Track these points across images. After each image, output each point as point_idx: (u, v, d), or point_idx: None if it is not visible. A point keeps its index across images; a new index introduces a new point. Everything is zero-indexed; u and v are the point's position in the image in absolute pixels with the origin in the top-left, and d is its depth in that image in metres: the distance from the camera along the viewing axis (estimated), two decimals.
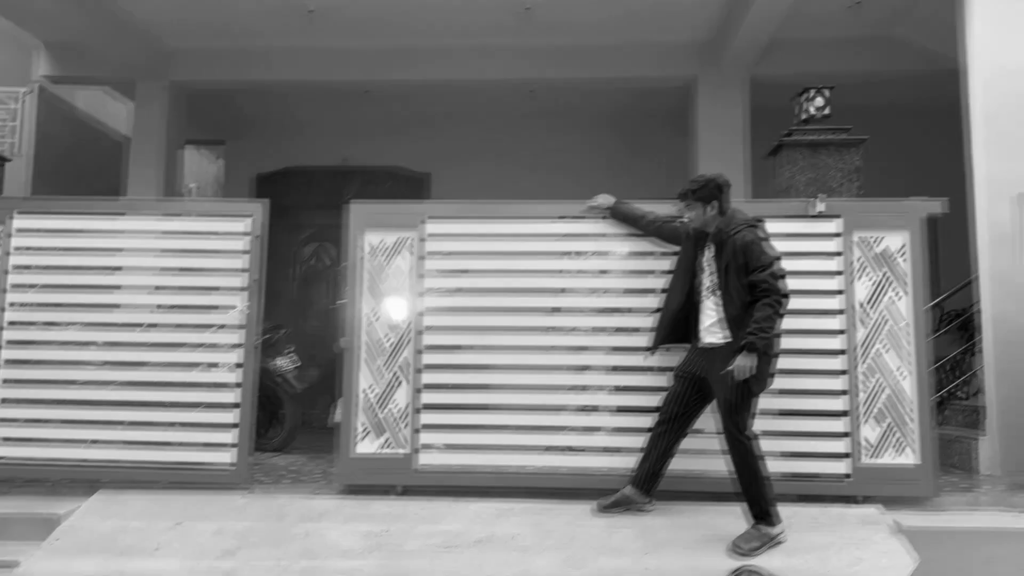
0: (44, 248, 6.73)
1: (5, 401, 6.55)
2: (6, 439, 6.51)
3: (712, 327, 5.53)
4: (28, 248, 6.72)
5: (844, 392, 6.15)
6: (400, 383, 6.40)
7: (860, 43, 10.41)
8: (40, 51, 11.36)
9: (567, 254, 6.46)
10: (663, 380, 6.03)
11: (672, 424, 5.72)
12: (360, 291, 6.51)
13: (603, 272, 6.43)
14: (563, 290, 6.46)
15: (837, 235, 6.26)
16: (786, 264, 5.80)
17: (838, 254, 6.25)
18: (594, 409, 6.37)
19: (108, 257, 6.74)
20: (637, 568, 5.24)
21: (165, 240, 6.74)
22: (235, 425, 6.41)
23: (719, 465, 5.70)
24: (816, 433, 6.18)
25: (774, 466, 5.97)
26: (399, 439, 6.34)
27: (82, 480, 6.40)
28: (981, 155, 7.19)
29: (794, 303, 5.93)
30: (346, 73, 11.08)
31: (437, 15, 9.98)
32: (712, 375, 5.46)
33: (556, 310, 6.45)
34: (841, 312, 6.21)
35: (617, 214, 6.30)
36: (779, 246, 5.91)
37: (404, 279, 6.50)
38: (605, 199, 6.35)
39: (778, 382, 5.86)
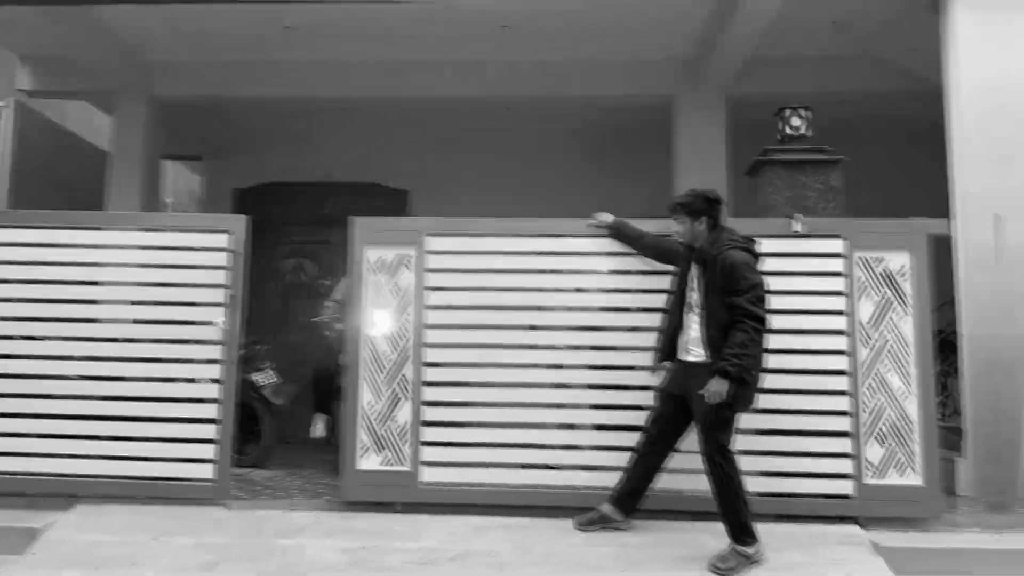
0: (22, 261, 6.70)
1: None
2: None
3: (692, 343, 5.56)
4: (6, 261, 6.70)
5: (847, 412, 6.19)
6: (400, 399, 6.42)
7: (841, 62, 10.47)
8: (17, 64, 11.30)
9: (571, 271, 6.54)
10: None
11: (655, 445, 5.77)
12: (361, 307, 6.53)
13: (605, 290, 6.49)
14: (563, 308, 6.55)
15: (839, 255, 6.31)
16: (788, 283, 5.95)
17: (840, 274, 6.30)
18: (601, 428, 6.42)
19: (87, 271, 6.73)
20: None
21: (145, 254, 6.74)
22: (214, 440, 6.41)
23: (697, 484, 5.74)
24: (818, 453, 6.21)
25: (775, 485, 6.14)
26: (400, 455, 6.36)
27: (61, 494, 6.37)
28: (960, 174, 7.23)
29: (796, 322, 6.10)
30: (324, 88, 11.07)
31: (414, 31, 9.99)
32: (691, 393, 5.48)
33: (551, 327, 6.53)
34: (844, 332, 6.26)
35: (617, 232, 6.34)
36: (780, 265, 6.10)
37: (404, 295, 6.52)
38: (606, 217, 6.38)
39: (779, 401, 6.03)
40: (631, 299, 6.48)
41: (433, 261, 6.57)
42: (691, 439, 5.70)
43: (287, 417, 8.35)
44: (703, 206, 5.56)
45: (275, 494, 6.88)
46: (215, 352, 6.53)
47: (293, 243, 12.94)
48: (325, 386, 7.75)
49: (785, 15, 8.79)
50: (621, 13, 9.47)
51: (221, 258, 6.62)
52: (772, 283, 6.04)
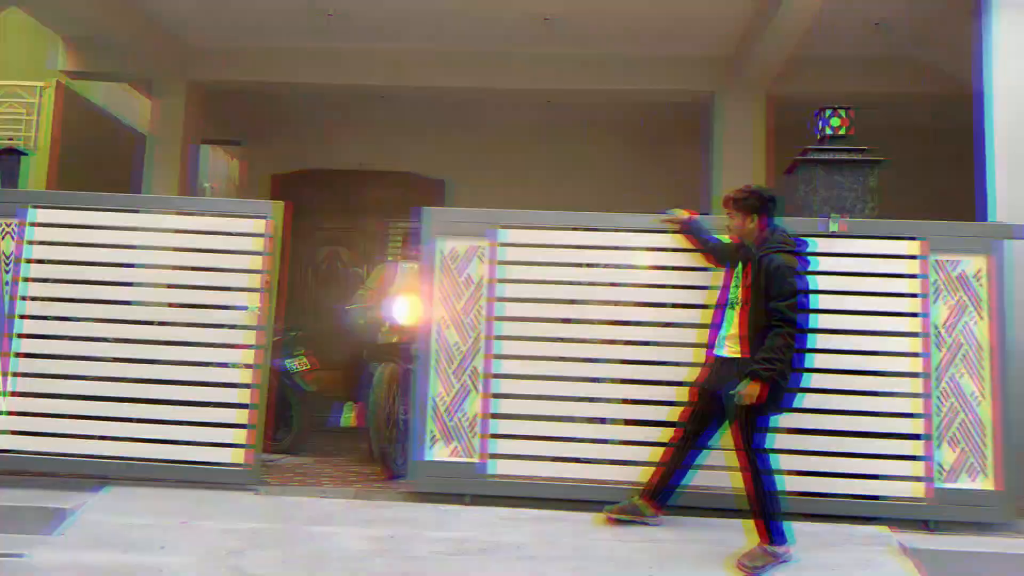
0: (60, 242, 6.75)
1: (16, 393, 6.57)
2: (17, 431, 6.53)
3: (729, 340, 5.55)
4: (44, 241, 6.75)
5: (920, 415, 6.13)
6: (470, 391, 6.41)
7: (881, 63, 10.39)
8: (59, 46, 11.39)
9: (644, 266, 6.51)
10: None
11: (689, 440, 5.75)
12: (433, 298, 6.53)
13: (679, 286, 6.42)
14: (636, 302, 6.51)
15: (916, 257, 6.26)
16: (864, 284, 5.94)
17: (917, 276, 6.24)
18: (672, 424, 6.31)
19: (124, 253, 6.77)
20: None
21: (182, 238, 6.77)
22: (247, 425, 6.43)
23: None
24: (891, 455, 6.17)
25: (847, 487, 6.11)
26: (469, 447, 6.35)
27: (92, 475, 6.40)
28: (998, 178, 7.16)
29: (871, 323, 6.08)
30: (364, 77, 11.10)
31: (457, 21, 9.99)
32: (725, 388, 5.45)
33: (629, 323, 6.49)
34: (918, 334, 6.20)
35: (689, 230, 6.22)
36: (855, 265, 6.15)
37: (476, 287, 6.51)
38: (681, 214, 6.28)
39: (851, 402, 6.05)
40: (705, 296, 6.36)
41: (506, 253, 6.53)
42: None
43: (320, 404, 8.38)
44: (756, 203, 5.54)
45: (306, 481, 6.92)
46: (250, 337, 6.54)
47: (328, 231, 12.97)
48: (356, 374, 7.72)
49: (825, 16, 8.73)
50: (663, 10, 9.42)
51: (258, 243, 6.63)
52: (846, 284, 6.17)
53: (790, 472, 5.98)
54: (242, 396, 6.49)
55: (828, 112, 7.05)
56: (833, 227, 6.27)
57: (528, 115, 12.50)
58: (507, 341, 6.47)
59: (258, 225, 6.66)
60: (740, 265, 5.59)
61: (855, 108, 7.04)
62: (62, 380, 6.58)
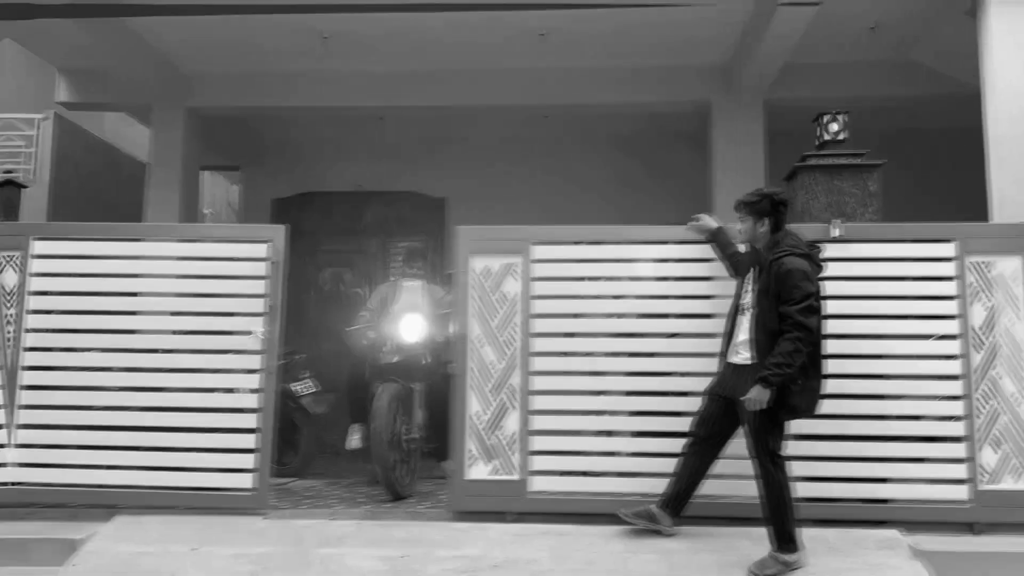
0: (62, 273, 6.75)
1: (24, 426, 6.56)
2: (25, 463, 6.52)
3: (740, 346, 5.50)
4: (46, 273, 6.74)
5: (962, 417, 6.11)
6: (508, 408, 6.39)
7: (877, 67, 10.42)
8: (57, 77, 11.44)
9: (679, 278, 6.48)
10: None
11: (701, 446, 5.70)
12: (468, 316, 6.51)
13: (711, 296, 6.36)
14: (672, 315, 6.47)
15: (951, 259, 6.24)
16: (901, 288, 5.97)
17: (953, 278, 6.23)
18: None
19: (127, 282, 6.77)
20: None
21: (184, 265, 6.77)
22: (254, 450, 6.41)
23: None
24: (934, 459, 6.16)
25: (891, 492, 6.11)
26: (509, 464, 6.33)
27: (100, 505, 6.39)
28: (998, 178, 7.17)
29: (909, 327, 6.09)
30: (361, 98, 11.13)
31: (452, 40, 10.03)
32: (736, 396, 5.41)
33: (674, 335, 6.45)
34: (957, 336, 6.18)
35: (715, 239, 6.11)
36: (891, 270, 6.17)
37: (510, 304, 6.48)
38: (710, 223, 6.18)
39: (891, 407, 6.08)
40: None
41: (539, 270, 6.51)
42: (735, 444, 5.68)
43: (326, 426, 8.38)
44: (768, 207, 5.47)
45: (315, 503, 6.91)
46: (255, 362, 6.54)
47: (330, 253, 13.00)
48: (359, 395, 7.68)
49: (821, 22, 8.75)
50: (657, 20, 9.45)
51: (260, 268, 6.63)
52: (880, 288, 6.17)
53: (831, 479, 6.04)
54: (249, 421, 6.46)
55: (826, 117, 7.06)
56: (834, 232, 6.26)
57: (526, 130, 12.55)
58: (544, 357, 6.44)
59: (260, 249, 6.65)
60: (752, 270, 5.56)
61: (849, 113, 7.05)
62: (69, 411, 6.57)
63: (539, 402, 6.37)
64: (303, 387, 8.18)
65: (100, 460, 6.50)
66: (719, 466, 5.85)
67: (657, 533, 5.79)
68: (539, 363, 6.42)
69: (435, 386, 7.60)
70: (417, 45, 10.20)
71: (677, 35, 9.86)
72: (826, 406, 5.65)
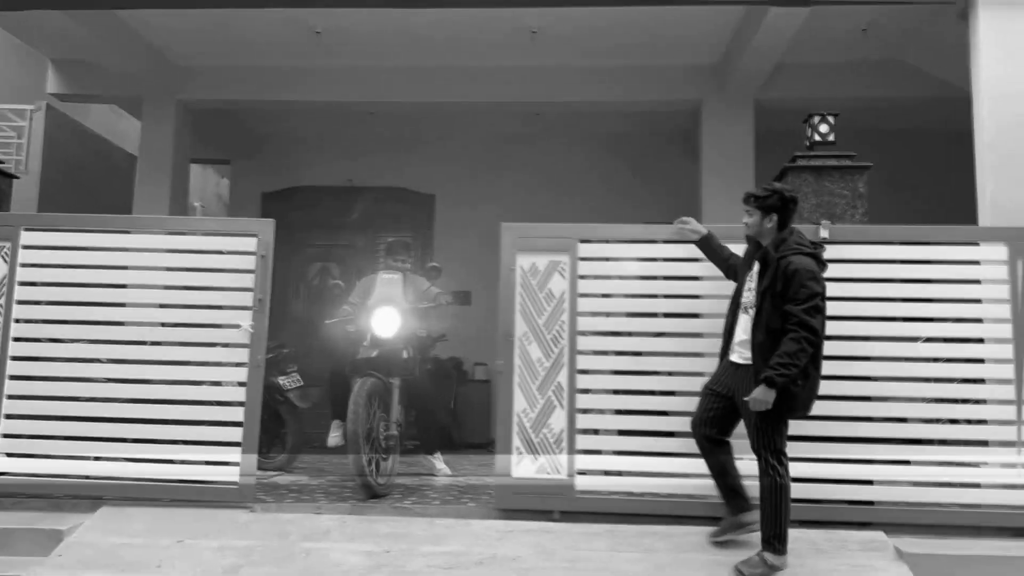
0: (50, 264, 6.75)
1: (10, 416, 6.55)
2: (10, 454, 6.51)
3: (740, 345, 5.47)
4: (34, 264, 6.74)
5: (1014, 422, 6.13)
6: (555, 406, 6.37)
7: (868, 68, 10.44)
8: (48, 68, 11.41)
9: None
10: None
11: (713, 443, 5.63)
12: (514, 314, 6.50)
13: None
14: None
15: (1004, 262, 6.25)
16: (950, 291, 6.03)
17: (1005, 281, 6.24)
18: None
19: (114, 274, 6.78)
20: None
21: (171, 258, 6.78)
22: (240, 443, 6.42)
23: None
24: (989, 463, 6.17)
25: (947, 495, 6.11)
26: (556, 463, 6.31)
27: (85, 496, 6.39)
28: (987, 181, 7.19)
29: (960, 331, 6.14)
30: (352, 94, 11.11)
31: (443, 36, 10.02)
32: (737, 395, 5.39)
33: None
34: (1011, 340, 6.18)
35: (705, 244, 6.08)
36: (941, 273, 6.22)
37: (557, 302, 6.46)
38: (700, 228, 6.14)
39: (943, 410, 6.15)
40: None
41: (586, 268, 6.49)
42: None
43: (312, 421, 8.37)
44: (777, 204, 5.41)
45: (300, 497, 6.90)
46: (241, 355, 6.54)
47: (319, 247, 12.99)
48: (339, 391, 7.56)
49: (812, 22, 8.77)
50: (649, 20, 9.45)
51: (248, 262, 6.63)
52: (928, 291, 6.23)
53: (883, 482, 6.09)
54: (235, 414, 6.47)
55: (816, 118, 7.08)
56: (823, 233, 6.26)
57: (517, 127, 12.55)
58: (591, 356, 6.44)
59: (248, 243, 6.66)
60: (755, 267, 5.49)
61: (839, 114, 7.07)
62: (55, 402, 6.57)
63: (586, 401, 6.36)
64: (290, 381, 8.16)
65: (86, 451, 6.49)
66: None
67: (641, 533, 5.82)
68: (586, 362, 6.41)
69: (417, 380, 7.60)
70: (409, 41, 10.19)
71: (668, 34, 9.87)
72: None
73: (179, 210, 11.32)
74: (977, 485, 6.15)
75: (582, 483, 6.28)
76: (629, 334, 6.53)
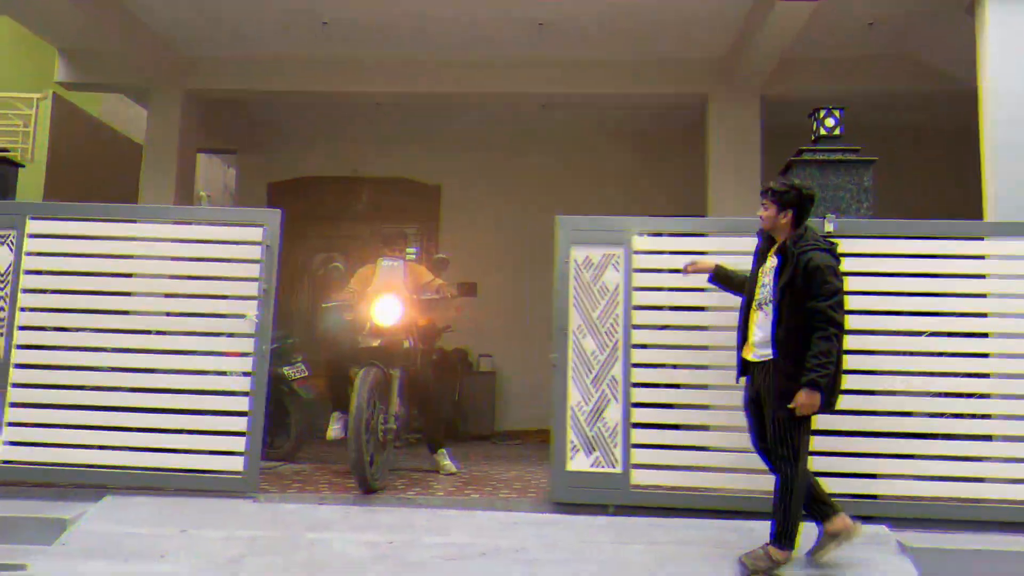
0: (58, 253, 6.76)
1: (16, 404, 6.57)
2: (15, 442, 6.53)
3: (760, 343, 5.37)
4: (41, 252, 6.75)
5: None
6: (610, 400, 6.35)
7: (874, 62, 10.42)
8: (55, 57, 11.41)
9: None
10: None
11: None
12: (568, 306, 6.47)
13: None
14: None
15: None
16: (997, 285, 6.02)
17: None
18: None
19: (121, 262, 6.80)
20: None
21: (178, 247, 6.80)
22: (244, 433, 6.43)
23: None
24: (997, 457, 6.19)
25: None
26: (611, 457, 6.29)
27: (90, 484, 6.40)
28: (993, 176, 7.18)
29: (1004, 325, 6.14)
30: (359, 84, 11.11)
31: (451, 28, 10.01)
32: (768, 393, 5.30)
33: None
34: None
35: (719, 278, 5.98)
36: (980, 267, 6.22)
37: (612, 295, 6.43)
38: (704, 261, 6.10)
39: (993, 406, 6.13)
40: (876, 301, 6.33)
41: (641, 261, 6.46)
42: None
43: (317, 411, 8.38)
44: (795, 199, 5.36)
45: (304, 488, 6.91)
46: (247, 345, 6.55)
47: (324, 238, 12.99)
48: (339, 382, 7.49)
49: (820, 16, 8.74)
50: (656, 12, 9.43)
51: (255, 251, 6.64)
52: (962, 286, 6.22)
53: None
54: (240, 404, 6.49)
55: (822, 112, 7.06)
56: (828, 227, 6.25)
57: (523, 120, 12.55)
58: (648, 350, 6.42)
59: (255, 233, 6.67)
60: (772, 260, 5.42)
61: (845, 108, 7.06)
62: (60, 391, 6.59)
63: (642, 394, 6.32)
64: (295, 371, 8.18)
65: (90, 440, 6.51)
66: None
67: (647, 524, 5.83)
68: (641, 355, 6.38)
69: (419, 372, 7.54)
70: (416, 32, 10.18)
71: (676, 28, 9.85)
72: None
73: (185, 200, 11.34)
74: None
75: (638, 477, 6.25)
76: (684, 327, 6.48)
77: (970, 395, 6.27)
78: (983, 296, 6.30)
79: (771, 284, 5.36)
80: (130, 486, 6.41)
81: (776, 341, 5.24)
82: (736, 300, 5.81)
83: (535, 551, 5.54)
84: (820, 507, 5.38)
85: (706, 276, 6.03)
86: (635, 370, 6.35)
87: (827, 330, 5.06)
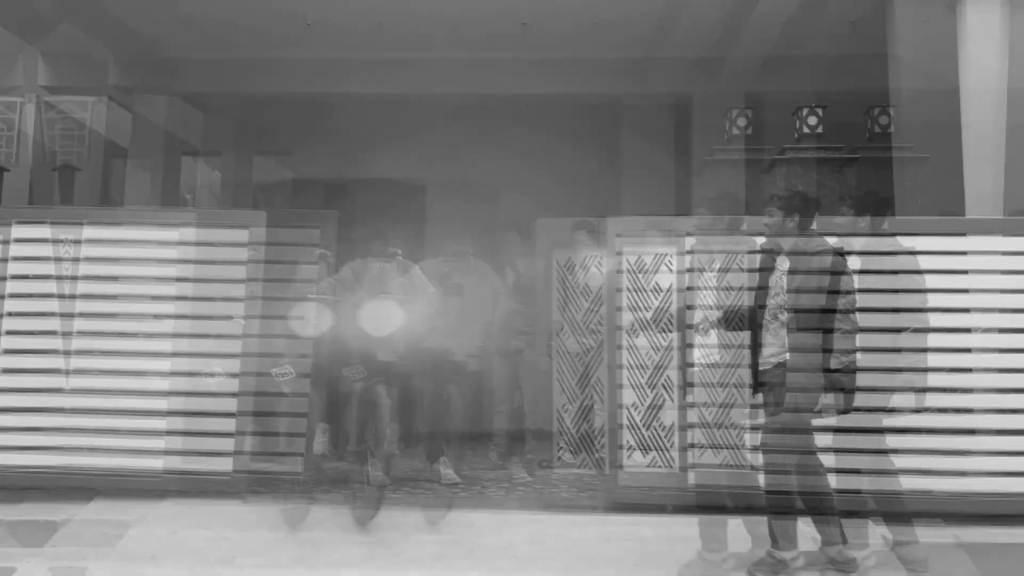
0: (44, 257, 6.73)
1: (2, 410, 6.57)
2: (3, 447, 6.53)
3: (772, 352, 5.35)
4: (26, 257, 6.74)
5: None
6: (664, 401, 6.38)
7: (857, 61, 10.47)
8: (38, 60, 11.38)
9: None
10: None
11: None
12: (620, 308, 6.48)
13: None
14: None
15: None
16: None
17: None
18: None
19: (107, 266, 6.79)
20: None
21: (166, 250, 6.79)
22: (233, 434, 6.45)
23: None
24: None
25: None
26: (666, 457, 6.33)
27: (79, 487, 6.41)
28: (973, 174, 7.25)
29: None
30: (342, 85, 11.12)
31: (434, 28, 10.04)
32: (770, 395, 5.36)
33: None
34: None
35: (727, 325, 5.89)
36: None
37: (664, 296, 6.45)
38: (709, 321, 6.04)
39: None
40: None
41: (691, 261, 6.40)
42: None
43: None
44: (799, 205, 5.44)
45: (293, 489, 6.92)
46: (236, 347, 6.58)
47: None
48: (328, 392, 7.07)
49: (801, 14, 8.79)
50: (639, 13, 9.47)
51: (240, 254, 6.66)
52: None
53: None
54: (228, 405, 6.51)
55: (805, 111, 7.14)
56: (814, 225, 6.31)
57: (507, 120, 12.55)
58: (700, 350, 6.25)
59: (244, 235, 6.69)
60: (783, 264, 5.44)
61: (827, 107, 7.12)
62: (48, 394, 6.58)
63: (696, 395, 6.23)
64: (283, 372, 8.15)
65: (78, 443, 6.52)
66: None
67: (633, 523, 5.90)
68: (694, 356, 6.27)
69: (413, 384, 7.37)
70: (399, 33, 10.20)
71: (659, 27, 9.90)
72: None
73: (171, 202, 11.31)
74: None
75: (694, 477, 6.21)
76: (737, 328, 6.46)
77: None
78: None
79: (781, 292, 5.37)
80: (119, 489, 6.40)
81: (791, 343, 5.26)
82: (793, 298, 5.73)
83: (523, 547, 5.63)
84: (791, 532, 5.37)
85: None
86: (689, 370, 6.26)
87: (843, 329, 5.13)
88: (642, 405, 6.35)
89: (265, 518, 6.10)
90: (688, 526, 5.54)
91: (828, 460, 5.62)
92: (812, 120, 7.15)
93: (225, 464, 6.44)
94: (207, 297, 6.70)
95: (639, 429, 6.33)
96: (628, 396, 6.37)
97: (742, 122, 6.98)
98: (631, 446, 6.32)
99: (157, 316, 6.77)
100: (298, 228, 6.82)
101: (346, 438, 6.49)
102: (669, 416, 6.32)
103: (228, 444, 6.47)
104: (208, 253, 6.73)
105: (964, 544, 5.74)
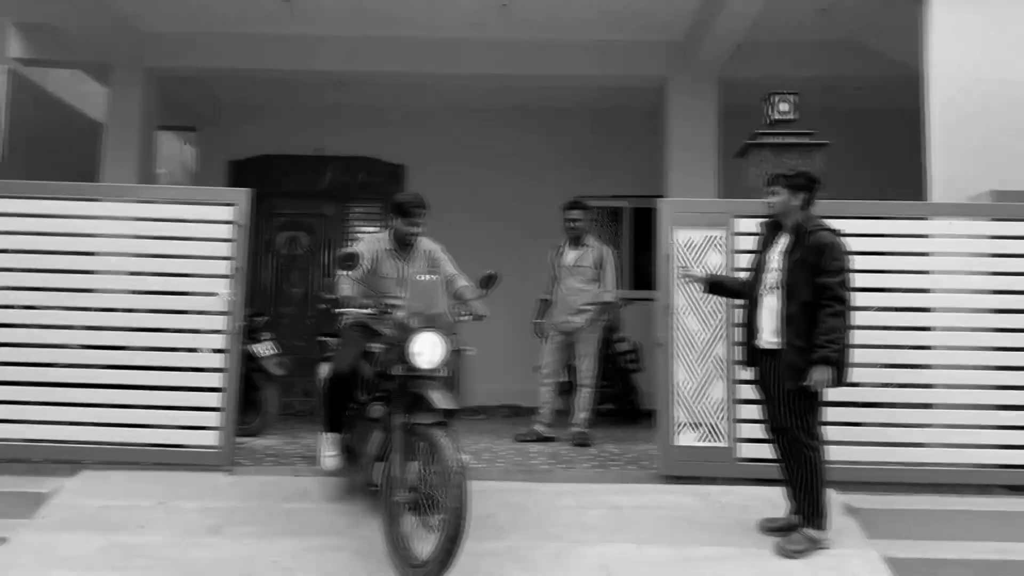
0: (19, 231, 6.81)
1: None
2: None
3: (769, 329, 5.51)
4: (5, 231, 6.80)
5: None
6: (715, 377, 6.56)
7: (827, 47, 10.63)
8: (10, 32, 11.31)
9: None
10: None
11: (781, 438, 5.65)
12: (673, 287, 6.63)
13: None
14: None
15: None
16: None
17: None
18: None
19: (87, 241, 6.87)
20: (607, 546, 5.46)
21: (148, 226, 6.87)
22: (218, 408, 6.58)
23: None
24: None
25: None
26: (716, 432, 6.50)
27: (65, 460, 6.50)
28: (935, 161, 7.38)
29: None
30: (322, 63, 11.11)
31: (414, 7, 10.07)
32: (768, 378, 5.54)
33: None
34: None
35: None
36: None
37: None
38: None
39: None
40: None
41: (742, 243, 6.57)
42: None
43: (285, 389, 8.51)
44: (804, 183, 5.56)
45: (278, 461, 7.06)
46: (219, 323, 6.68)
47: (287, 216, 13.02)
48: (343, 401, 6.04)
49: (775, 2, 8.90)
50: None
51: (226, 230, 6.76)
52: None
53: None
54: (213, 380, 6.62)
55: (776, 97, 7.27)
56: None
57: (486, 100, 12.64)
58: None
59: (225, 212, 6.78)
60: (782, 241, 5.60)
61: (798, 93, 7.25)
62: (31, 368, 6.67)
63: (744, 372, 6.29)
64: (264, 349, 8.29)
65: (64, 416, 6.61)
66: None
67: (608, 491, 6.07)
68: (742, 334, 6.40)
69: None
70: (379, 11, 10.22)
71: (636, 11, 9.99)
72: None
73: (146, 178, 11.32)
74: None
75: (743, 451, 6.46)
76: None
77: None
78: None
79: (781, 265, 5.52)
80: (105, 461, 6.51)
81: (788, 318, 5.40)
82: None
83: (504, 516, 5.76)
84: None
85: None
86: (738, 348, 6.38)
87: (835, 306, 5.25)
88: (692, 381, 6.60)
89: (253, 489, 6.24)
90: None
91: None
92: (783, 106, 7.29)
93: (211, 437, 6.58)
94: (191, 273, 6.81)
95: (689, 405, 6.57)
96: (679, 373, 6.59)
97: (784, 107, 7.11)
98: (681, 422, 6.55)
99: (139, 292, 6.88)
100: (211, 205, 6.89)
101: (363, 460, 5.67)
102: (718, 392, 6.57)
103: (214, 418, 6.60)
104: (190, 230, 6.83)
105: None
